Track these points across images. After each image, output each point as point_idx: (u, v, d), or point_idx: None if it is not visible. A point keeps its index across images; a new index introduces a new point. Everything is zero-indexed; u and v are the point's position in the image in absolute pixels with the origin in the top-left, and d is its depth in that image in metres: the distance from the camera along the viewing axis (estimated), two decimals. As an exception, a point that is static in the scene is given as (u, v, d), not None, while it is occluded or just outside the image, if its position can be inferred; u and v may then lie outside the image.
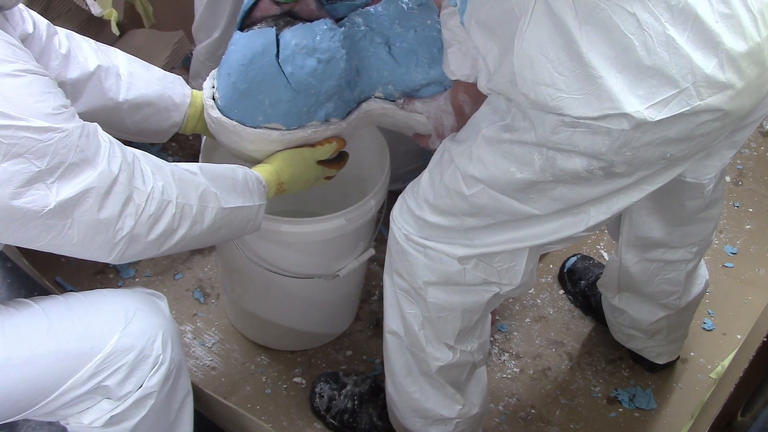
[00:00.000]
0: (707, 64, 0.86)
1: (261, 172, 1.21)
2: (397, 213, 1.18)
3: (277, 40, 1.17)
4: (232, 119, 1.22)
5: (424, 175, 1.13)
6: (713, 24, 0.86)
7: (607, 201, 1.00)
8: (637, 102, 0.87)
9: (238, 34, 1.21)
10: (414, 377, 1.29)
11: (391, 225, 1.19)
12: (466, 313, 1.19)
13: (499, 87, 0.95)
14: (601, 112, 0.88)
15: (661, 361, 1.65)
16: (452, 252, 1.11)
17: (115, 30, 1.89)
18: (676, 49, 0.85)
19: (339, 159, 1.33)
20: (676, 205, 1.29)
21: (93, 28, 1.83)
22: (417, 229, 1.14)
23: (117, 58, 1.27)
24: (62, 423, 1.13)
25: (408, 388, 1.31)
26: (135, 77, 1.27)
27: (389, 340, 1.29)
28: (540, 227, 1.05)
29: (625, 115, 0.87)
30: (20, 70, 0.89)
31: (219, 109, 1.24)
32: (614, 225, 1.45)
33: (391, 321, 1.27)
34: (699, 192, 1.24)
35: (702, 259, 1.47)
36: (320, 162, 1.28)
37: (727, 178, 2.14)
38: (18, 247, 1.54)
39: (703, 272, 1.53)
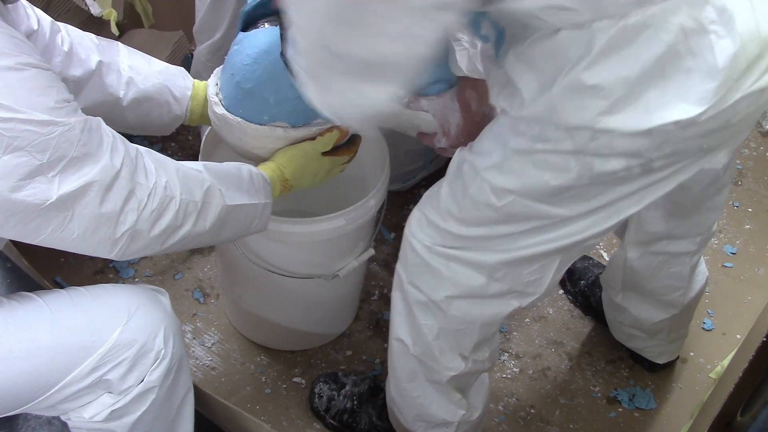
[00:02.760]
0: (751, 53, 0.86)
1: (264, 170, 1.20)
2: (415, 227, 1.16)
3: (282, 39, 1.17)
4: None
5: (443, 188, 1.12)
6: (751, 12, 0.86)
7: (639, 194, 1.00)
8: (688, 107, 0.86)
9: (241, 35, 1.21)
10: (418, 383, 1.29)
11: (409, 239, 1.17)
12: (485, 326, 1.19)
13: (535, 114, 0.94)
14: (650, 124, 0.88)
15: (661, 361, 1.65)
16: (483, 260, 1.10)
17: (114, 30, 1.89)
18: (722, 49, 0.85)
19: (350, 143, 1.31)
20: (685, 196, 1.29)
21: (93, 28, 1.83)
22: (442, 240, 1.13)
23: (118, 53, 1.27)
24: (63, 418, 1.13)
25: (411, 393, 1.31)
26: (135, 72, 1.26)
27: (395, 346, 1.29)
28: (573, 226, 1.04)
29: (675, 122, 0.87)
30: (23, 63, 0.89)
31: (224, 107, 1.24)
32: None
33: (398, 329, 1.26)
34: (711, 178, 1.24)
35: (702, 256, 1.48)
36: (329, 152, 1.27)
37: (727, 178, 2.14)
38: (18, 247, 1.54)
39: (703, 269, 1.53)
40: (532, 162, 0.98)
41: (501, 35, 0.98)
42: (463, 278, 1.13)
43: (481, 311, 1.16)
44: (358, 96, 0.86)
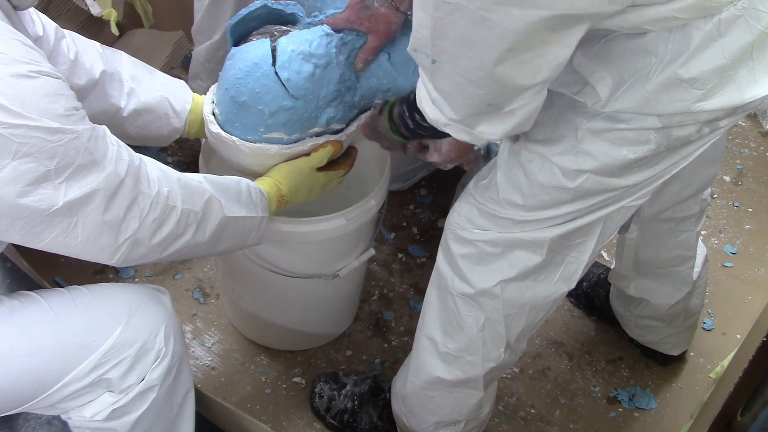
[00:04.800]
0: None
1: (262, 185, 1.22)
2: (465, 220, 1.16)
3: (273, 50, 1.18)
4: (232, 134, 1.23)
5: (499, 178, 1.11)
6: None
7: (695, 151, 1.02)
8: None
9: (233, 49, 1.22)
10: (440, 384, 1.30)
11: (458, 232, 1.17)
12: (533, 311, 1.20)
13: (623, 108, 0.96)
14: (744, 101, 0.92)
15: (676, 352, 1.66)
16: (542, 236, 1.10)
17: (114, 30, 1.89)
18: None
19: (345, 156, 1.32)
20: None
21: (93, 28, 1.83)
22: (499, 228, 1.13)
23: (121, 63, 1.28)
24: (64, 417, 1.14)
25: (428, 392, 1.32)
26: (137, 83, 1.27)
27: (423, 344, 1.29)
28: (633, 191, 1.06)
29: (766, 95, 0.92)
30: (34, 71, 0.90)
31: (219, 125, 1.25)
32: None
33: (430, 326, 1.27)
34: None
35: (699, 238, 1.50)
36: (324, 166, 1.28)
37: (727, 178, 2.14)
38: (18, 248, 1.54)
39: (702, 245, 1.55)
40: (608, 140, 0.99)
41: None
42: (519, 260, 1.13)
43: (532, 294, 1.17)
44: (511, 115, 0.91)
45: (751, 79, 0.91)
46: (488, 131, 0.94)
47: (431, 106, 0.95)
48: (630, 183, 1.03)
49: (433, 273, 1.25)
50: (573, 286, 1.17)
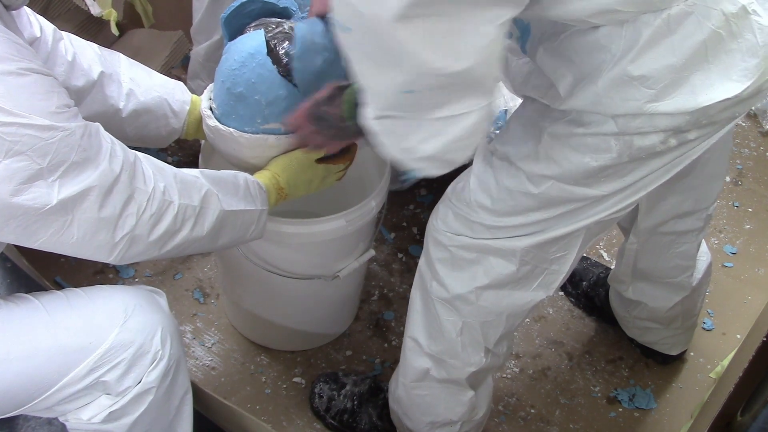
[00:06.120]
0: None
1: (260, 178, 1.21)
2: (441, 222, 1.16)
3: (268, 41, 1.18)
4: (229, 126, 1.23)
5: (471, 181, 1.12)
6: None
7: (669, 165, 1.02)
8: (731, 85, 0.90)
9: (228, 44, 1.23)
10: (428, 382, 1.30)
11: (434, 235, 1.17)
12: (511, 317, 1.20)
13: (577, 106, 0.96)
14: (698, 105, 0.91)
15: (675, 352, 1.66)
16: (514, 246, 1.10)
17: (114, 30, 1.89)
18: (762, 27, 0.89)
19: (345, 151, 1.31)
20: (694, 162, 1.29)
21: (92, 28, 1.84)
22: (472, 233, 1.13)
23: (119, 64, 1.28)
24: (61, 419, 1.13)
25: (419, 392, 1.32)
26: (136, 84, 1.27)
27: (408, 344, 1.29)
28: (604, 204, 1.05)
29: (721, 101, 0.90)
30: (24, 68, 0.89)
31: (216, 118, 1.26)
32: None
33: (413, 327, 1.27)
34: (721, 142, 1.25)
35: (703, 240, 1.48)
36: (323, 159, 1.27)
37: (727, 178, 2.14)
38: (18, 247, 1.54)
39: (706, 250, 1.54)
40: (570, 146, 0.99)
41: (526, 30, 0.99)
42: (493, 267, 1.13)
43: (509, 301, 1.17)
44: (445, 124, 0.86)
45: (706, 83, 0.90)
46: (421, 146, 0.88)
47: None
48: (598, 194, 1.03)
49: (416, 275, 1.26)
50: (552, 293, 1.17)
